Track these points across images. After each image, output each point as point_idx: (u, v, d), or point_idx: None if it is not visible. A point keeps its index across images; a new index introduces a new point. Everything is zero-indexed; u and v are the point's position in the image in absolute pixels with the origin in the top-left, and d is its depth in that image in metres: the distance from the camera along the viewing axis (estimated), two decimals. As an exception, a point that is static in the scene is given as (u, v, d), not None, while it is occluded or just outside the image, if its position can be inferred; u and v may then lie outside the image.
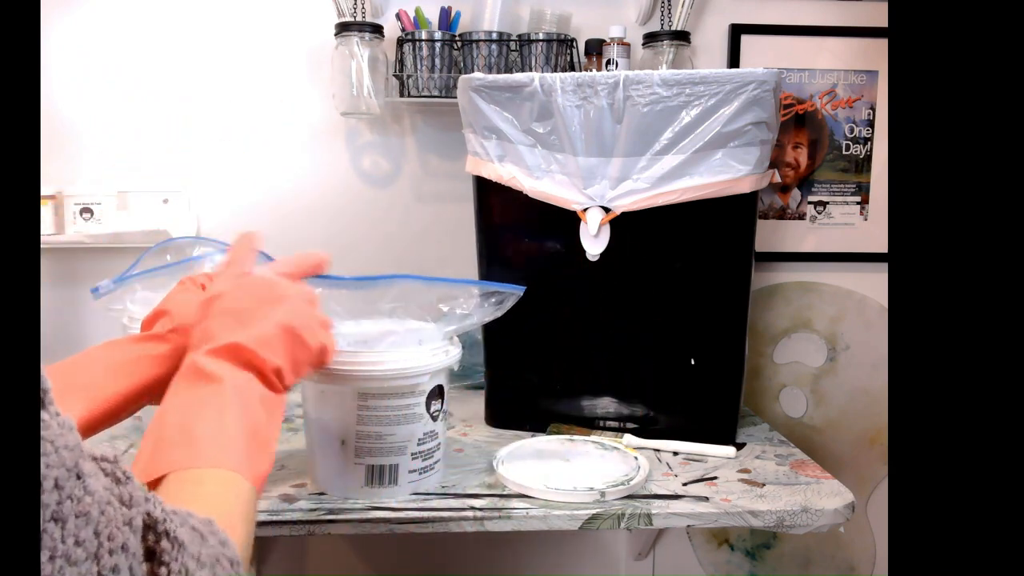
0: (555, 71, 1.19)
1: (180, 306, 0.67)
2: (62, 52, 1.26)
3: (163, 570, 0.37)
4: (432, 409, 0.82)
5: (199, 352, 0.55)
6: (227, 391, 0.53)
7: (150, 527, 0.37)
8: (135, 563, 0.35)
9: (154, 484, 0.49)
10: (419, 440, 0.81)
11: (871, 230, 1.37)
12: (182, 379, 0.55)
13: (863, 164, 1.36)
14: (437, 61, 1.21)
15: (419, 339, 0.81)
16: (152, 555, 0.37)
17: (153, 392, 0.63)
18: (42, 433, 0.31)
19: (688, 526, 0.80)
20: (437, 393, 0.82)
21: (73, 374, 0.62)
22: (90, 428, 0.61)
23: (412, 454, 0.81)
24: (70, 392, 0.60)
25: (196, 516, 0.42)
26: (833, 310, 1.40)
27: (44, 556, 0.30)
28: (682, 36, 1.24)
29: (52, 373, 0.51)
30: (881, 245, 1.37)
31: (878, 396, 1.42)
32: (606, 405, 1.02)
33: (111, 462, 0.36)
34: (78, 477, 0.32)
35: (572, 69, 1.22)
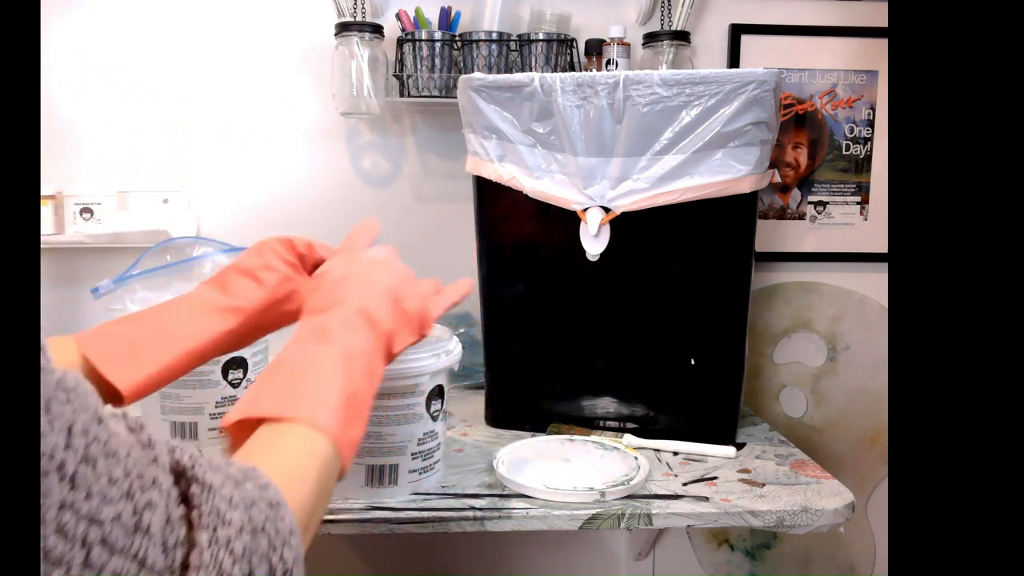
0: (555, 71, 1.19)
1: (266, 272, 0.69)
2: (62, 52, 1.26)
3: (195, 513, 0.37)
4: (432, 409, 0.82)
5: (318, 313, 0.58)
6: (337, 353, 0.54)
7: (179, 473, 0.38)
8: (171, 503, 0.36)
9: (247, 429, 0.50)
10: (419, 440, 0.81)
11: (871, 230, 1.37)
12: (302, 335, 0.57)
13: (863, 164, 1.36)
14: (437, 61, 1.21)
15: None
16: (184, 500, 0.38)
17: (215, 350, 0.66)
18: (62, 383, 0.32)
19: (688, 526, 0.80)
20: (437, 393, 0.82)
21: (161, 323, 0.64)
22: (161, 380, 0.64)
23: (412, 454, 0.81)
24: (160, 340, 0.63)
25: (236, 464, 0.42)
26: (833, 310, 1.40)
27: (80, 495, 0.31)
28: (682, 36, 1.24)
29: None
30: (881, 245, 1.37)
31: (878, 396, 1.42)
32: (606, 405, 1.02)
33: (121, 416, 0.37)
34: (99, 421, 0.33)
35: (572, 69, 1.22)
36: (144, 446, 0.36)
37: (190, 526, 0.37)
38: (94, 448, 0.32)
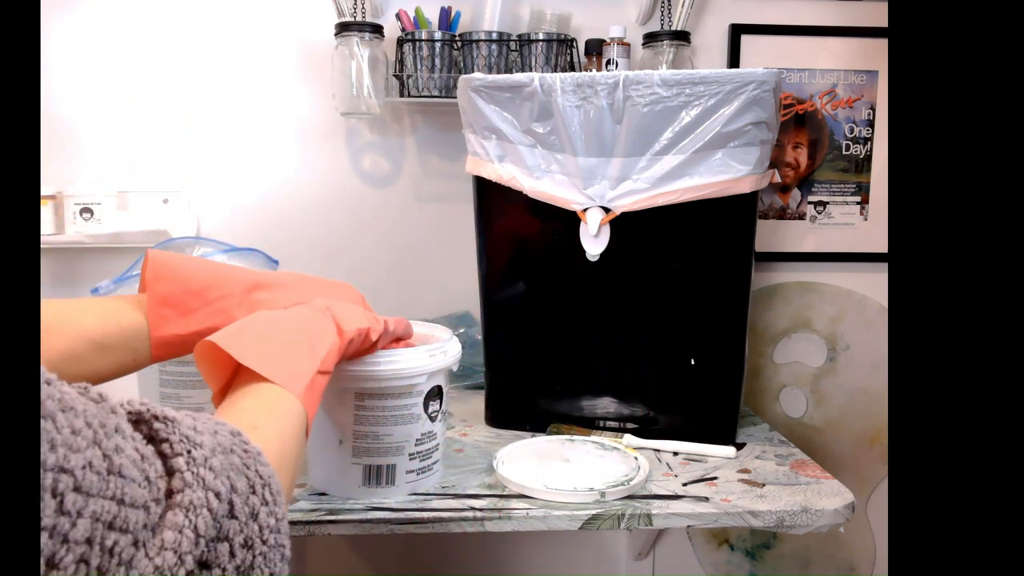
0: (555, 71, 1.19)
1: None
2: (62, 52, 1.26)
3: (165, 446, 0.38)
4: (430, 410, 0.82)
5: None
6: (297, 314, 0.64)
7: (138, 420, 0.39)
8: (138, 444, 0.37)
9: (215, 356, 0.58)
10: (416, 440, 0.81)
11: (871, 230, 1.37)
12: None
13: (863, 164, 1.36)
14: (437, 61, 1.21)
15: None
16: (151, 440, 0.39)
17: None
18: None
19: (688, 526, 0.80)
20: (435, 394, 0.82)
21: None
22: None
23: (409, 454, 0.81)
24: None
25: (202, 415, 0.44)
26: (833, 310, 1.40)
27: (44, 448, 0.31)
28: (682, 36, 1.24)
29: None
30: (881, 245, 1.37)
31: (878, 396, 1.42)
32: (606, 405, 1.02)
33: (66, 382, 0.38)
34: (47, 383, 0.33)
35: (572, 69, 1.22)
36: (97, 402, 0.36)
37: (163, 457, 0.38)
38: (50, 404, 0.32)
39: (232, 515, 0.39)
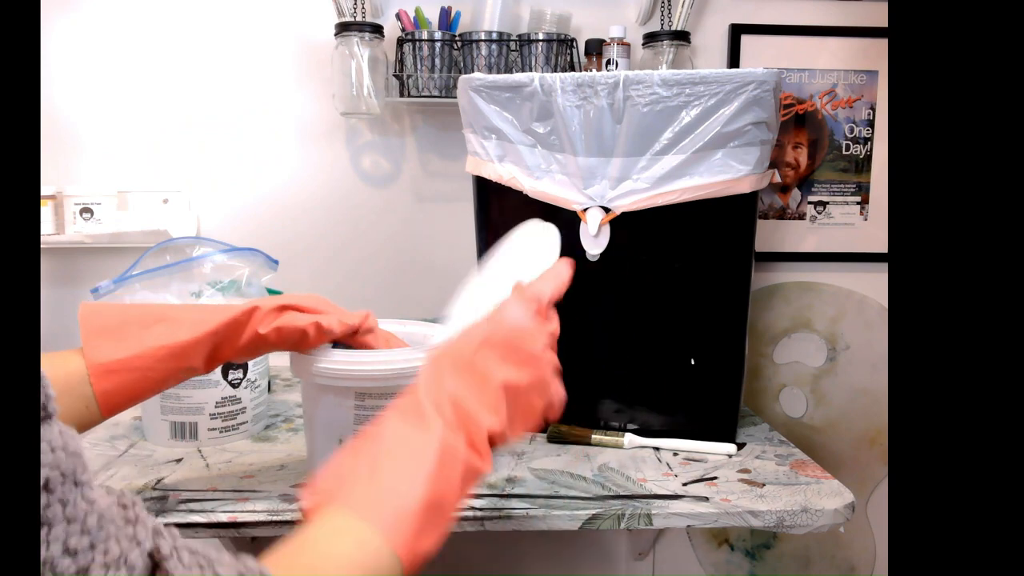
0: (555, 71, 1.19)
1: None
2: (62, 52, 1.26)
3: None
4: None
5: (425, 394, 0.52)
6: (431, 447, 0.48)
7: (156, 563, 0.34)
8: None
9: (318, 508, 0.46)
10: None
11: (871, 230, 1.37)
12: (400, 411, 0.51)
13: (863, 164, 1.36)
14: (437, 61, 1.21)
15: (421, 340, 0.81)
16: None
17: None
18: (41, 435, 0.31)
19: (688, 526, 0.80)
20: None
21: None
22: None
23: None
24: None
25: (227, 557, 0.37)
26: (833, 310, 1.40)
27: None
28: (682, 36, 1.24)
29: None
30: (881, 245, 1.37)
31: (878, 396, 1.42)
32: (606, 405, 1.02)
33: (117, 493, 0.35)
34: (75, 484, 0.31)
35: (572, 69, 1.22)
36: (127, 521, 0.34)
37: None
38: (54, 510, 0.30)
39: None
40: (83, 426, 0.64)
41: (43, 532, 0.29)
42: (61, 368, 0.63)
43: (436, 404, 0.51)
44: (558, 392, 0.61)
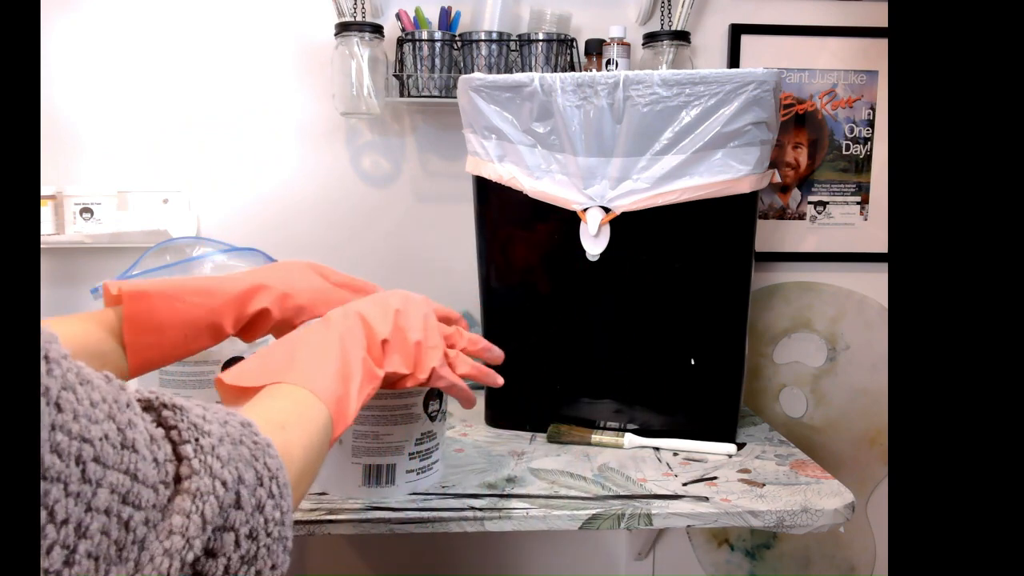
0: (555, 71, 1.19)
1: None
2: (62, 52, 1.26)
3: (173, 432, 0.38)
4: (430, 409, 0.82)
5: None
6: (334, 334, 0.60)
7: (147, 407, 0.39)
8: (148, 425, 0.37)
9: (247, 395, 0.55)
10: (416, 440, 0.81)
11: (871, 230, 1.37)
12: (306, 325, 0.63)
13: (863, 164, 1.36)
14: (437, 61, 1.21)
15: None
16: (159, 424, 0.39)
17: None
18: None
19: (688, 526, 0.80)
20: (436, 393, 0.82)
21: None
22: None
23: (409, 454, 0.81)
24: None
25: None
26: (833, 310, 1.40)
27: (68, 417, 0.31)
28: (682, 36, 1.24)
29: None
30: (881, 245, 1.37)
31: (878, 396, 1.42)
32: (606, 405, 1.02)
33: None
34: (64, 357, 0.34)
35: (572, 69, 1.22)
36: (107, 380, 0.36)
37: (172, 444, 0.38)
38: (71, 376, 0.33)
39: (238, 506, 0.40)
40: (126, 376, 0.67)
41: (71, 395, 0.32)
42: (81, 337, 0.64)
43: (342, 313, 0.64)
44: (435, 354, 0.69)
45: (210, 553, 0.38)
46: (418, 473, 0.82)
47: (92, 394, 0.34)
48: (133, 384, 0.87)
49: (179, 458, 0.38)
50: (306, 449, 0.50)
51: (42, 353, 0.32)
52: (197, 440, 0.39)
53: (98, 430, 0.33)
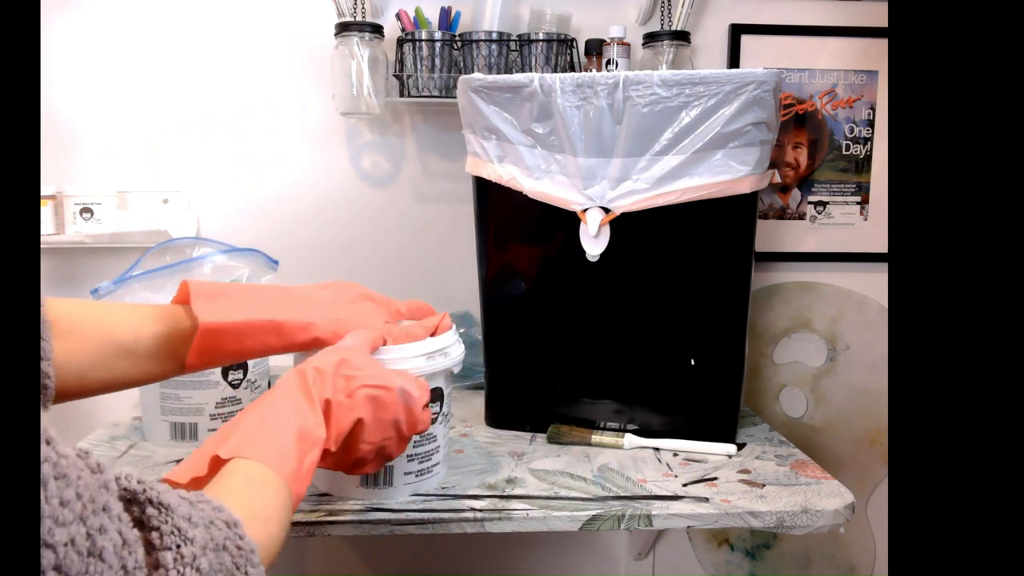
0: (555, 71, 1.19)
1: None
2: (62, 52, 1.26)
3: (155, 535, 0.37)
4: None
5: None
6: (279, 391, 0.60)
7: (131, 500, 0.37)
8: (123, 527, 0.35)
9: (208, 477, 0.54)
10: (415, 443, 0.81)
11: (871, 230, 1.37)
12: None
13: (863, 164, 1.36)
14: (437, 61, 1.21)
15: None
16: (141, 524, 0.37)
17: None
18: None
19: (688, 527, 0.80)
20: (435, 396, 0.81)
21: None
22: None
23: (408, 456, 0.81)
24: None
25: (184, 491, 0.42)
26: (833, 310, 1.40)
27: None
28: (682, 36, 1.24)
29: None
30: (881, 245, 1.37)
31: (878, 396, 1.42)
32: (606, 405, 1.02)
33: (68, 442, 0.36)
34: (47, 443, 0.32)
35: (572, 69, 1.22)
36: (93, 471, 0.34)
37: (150, 548, 0.36)
38: (45, 468, 0.31)
39: None
40: (153, 379, 0.68)
41: (41, 491, 0.30)
42: (149, 327, 0.66)
43: (298, 373, 0.63)
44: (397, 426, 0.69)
45: None
46: (417, 475, 0.82)
47: (65, 492, 0.31)
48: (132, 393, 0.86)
49: (155, 565, 0.36)
50: (282, 536, 0.52)
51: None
52: (178, 547, 0.37)
53: (64, 534, 0.30)
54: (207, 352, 0.67)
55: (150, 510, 0.37)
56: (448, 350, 0.81)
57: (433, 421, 0.82)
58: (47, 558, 0.29)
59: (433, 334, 0.80)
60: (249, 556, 0.41)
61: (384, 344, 0.75)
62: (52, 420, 0.33)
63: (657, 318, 0.98)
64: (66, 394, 0.61)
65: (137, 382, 0.66)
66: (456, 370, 0.83)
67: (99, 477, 0.34)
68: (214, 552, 0.39)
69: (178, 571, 0.36)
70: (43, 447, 0.31)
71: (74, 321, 0.61)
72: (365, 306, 0.79)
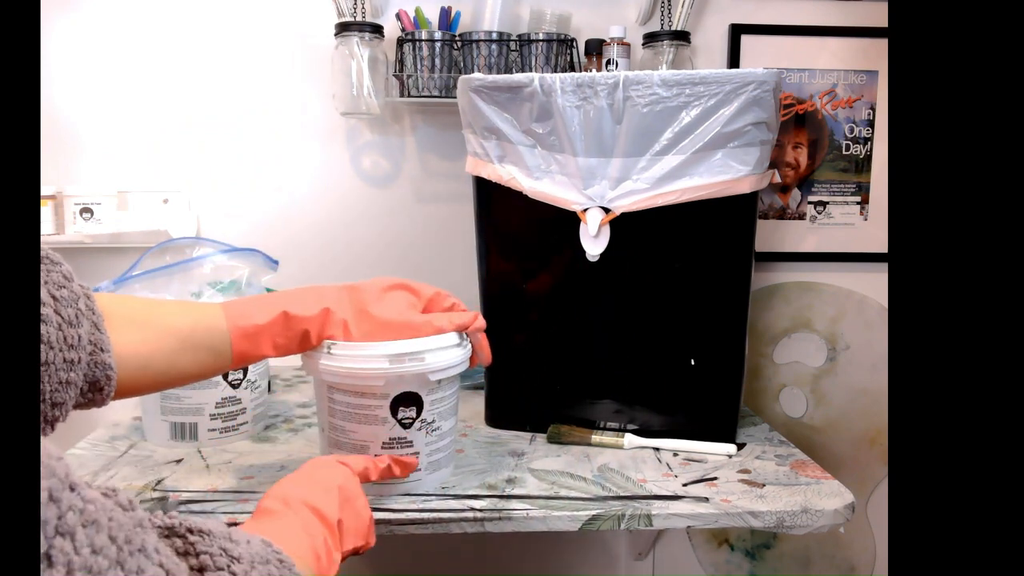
0: (555, 71, 1.19)
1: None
2: (62, 52, 1.26)
3: (205, 558, 0.37)
4: (401, 416, 0.79)
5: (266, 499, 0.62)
6: (294, 521, 0.58)
7: (170, 531, 0.37)
8: (164, 559, 0.33)
9: None
10: (384, 444, 0.79)
11: (871, 230, 1.37)
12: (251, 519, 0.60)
13: (863, 164, 1.36)
14: (437, 61, 1.21)
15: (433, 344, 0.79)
16: (186, 554, 0.37)
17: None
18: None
19: (688, 527, 0.80)
20: (408, 400, 0.79)
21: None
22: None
23: (375, 456, 0.78)
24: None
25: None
26: (833, 310, 1.40)
27: (61, 571, 0.27)
28: (682, 36, 1.24)
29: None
30: (881, 245, 1.37)
31: (878, 396, 1.42)
32: (606, 405, 1.02)
33: (92, 485, 0.35)
34: (72, 489, 0.30)
35: (572, 69, 1.22)
36: (124, 508, 0.33)
37: (202, 572, 0.36)
38: (70, 517, 0.29)
39: None
40: (207, 373, 0.70)
41: (68, 542, 0.28)
42: (203, 319, 0.68)
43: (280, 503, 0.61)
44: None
45: None
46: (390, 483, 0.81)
47: (96, 538, 0.29)
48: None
49: None
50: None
51: (43, 486, 0.28)
52: (229, 566, 0.37)
53: None
54: (244, 356, 0.70)
55: (192, 538, 0.38)
56: (426, 356, 0.77)
57: (406, 426, 0.79)
58: None
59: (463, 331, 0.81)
60: (291, 567, 0.43)
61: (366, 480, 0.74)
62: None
63: (657, 318, 0.98)
64: (129, 387, 0.62)
65: (194, 376, 0.68)
66: (437, 379, 0.79)
67: (133, 515, 0.33)
68: (262, 564, 0.40)
69: None
70: (67, 494, 0.29)
71: (135, 313, 0.63)
72: (396, 297, 0.79)
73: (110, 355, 0.58)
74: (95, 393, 0.58)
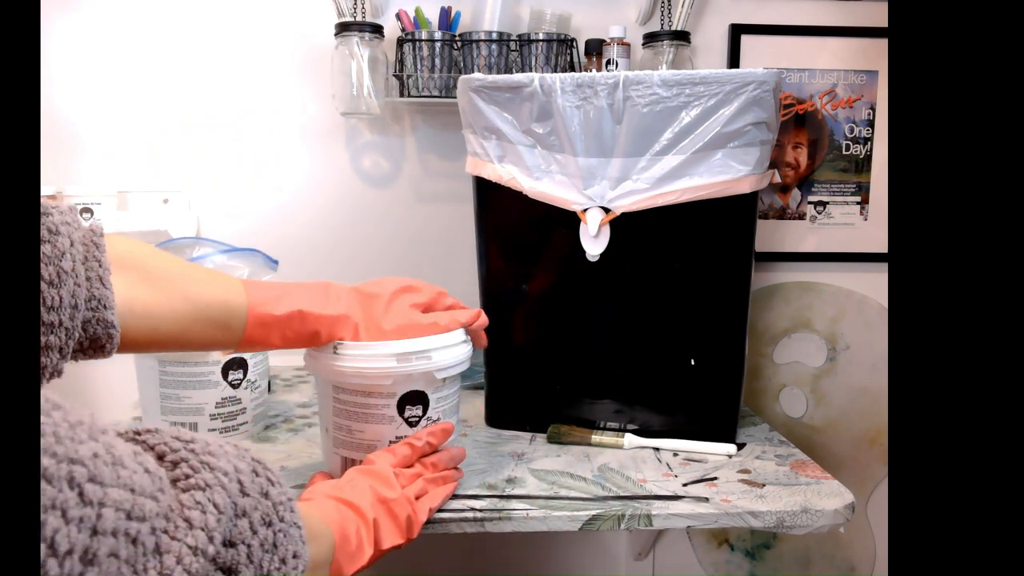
0: (555, 71, 1.19)
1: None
2: (62, 52, 1.26)
3: (160, 447, 0.39)
4: (407, 414, 0.79)
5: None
6: (326, 503, 0.62)
7: (135, 440, 0.39)
8: (126, 443, 0.36)
9: None
10: (391, 442, 0.79)
11: (871, 230, 1.37)
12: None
13: (863, 164, 1.36)
14: (437, 61, 1.21)
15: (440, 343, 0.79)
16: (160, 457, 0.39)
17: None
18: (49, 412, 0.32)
19: (688, 527, 0.80)
20: (415, 399, 0.79)
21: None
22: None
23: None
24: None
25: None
26: (833, 310, 1.40)
27: (51, 440, 0.30)
28: (682, 36, 1.24)
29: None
30: (881, 245, 1.37)
31: (878, 396, 1.42)
32: (606, 405, 1.02)
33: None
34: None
35: (572, 69, 1.22)
36: (78, 409, 0.35)
37: (159, 457, 0.38)
38: (43, 403, 0.31)
39: (244, 492, 0.40)
40: (212, 346, 0.69)
41: (46, 418, 0.31)
42: (221, 292, 0.67)
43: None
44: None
45: (229, 544, 0.38)
46: None
47: (69, 416, 0.32)
48: (131, 392, 0.86)
49: (175, 463, 0.38)
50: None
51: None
52: (187, 444, 0.39)
53: (86, 449, 0.31)
54: (254, 343, 0.70)
55: (144, 435, 0.39)
56: (432, 354, 0.77)
57: (412, 424, 0.80)
58: (79, 472, 0.30)
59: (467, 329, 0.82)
60: (270, 472, 0.43)
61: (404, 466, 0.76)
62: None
63: (657, 318, 0.98)
64: (135, 344, 0.61)
65: (199, 346, 0.67)
66: (443, 376, 0.80)
67: (86, 411, 0.35)
68: (217, 445, 0.41)
69: (196, 458, 0.38)
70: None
71: (153, 271, 0.62)
72: (402, 300, 0.79)
73: (112, 312, 0.56)
74: (95, 351, 0.56)
